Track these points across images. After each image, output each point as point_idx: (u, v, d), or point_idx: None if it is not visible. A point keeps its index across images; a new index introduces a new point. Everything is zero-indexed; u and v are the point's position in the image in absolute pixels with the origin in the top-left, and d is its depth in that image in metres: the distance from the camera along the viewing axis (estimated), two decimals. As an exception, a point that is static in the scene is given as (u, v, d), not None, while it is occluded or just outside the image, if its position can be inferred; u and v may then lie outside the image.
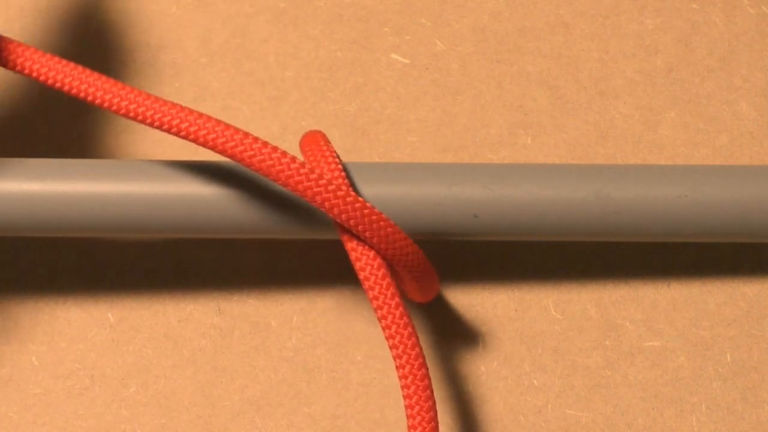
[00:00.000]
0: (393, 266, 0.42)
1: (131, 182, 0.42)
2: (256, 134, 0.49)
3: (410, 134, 0.50)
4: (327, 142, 0.43)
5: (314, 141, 0.43)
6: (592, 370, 0.47)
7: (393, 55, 0.51)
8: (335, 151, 0.43)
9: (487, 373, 0.47)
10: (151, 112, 0.40)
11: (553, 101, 0.51)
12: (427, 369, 0.41)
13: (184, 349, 0.47)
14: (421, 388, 0.41)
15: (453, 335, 0.47)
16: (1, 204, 0.42)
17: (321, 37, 0.51)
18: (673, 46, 0.52)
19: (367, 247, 0.41)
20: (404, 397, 0.41)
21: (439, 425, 0.46)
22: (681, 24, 0.52)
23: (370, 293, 0.41)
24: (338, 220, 0.40)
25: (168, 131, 0.40)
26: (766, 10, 0.52)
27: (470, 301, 0.48)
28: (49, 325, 0.47)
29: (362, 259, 0.41)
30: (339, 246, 0.48)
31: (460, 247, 0.48)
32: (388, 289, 0.41)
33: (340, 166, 0.41)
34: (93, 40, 0.51)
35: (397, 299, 0.41)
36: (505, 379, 0.47)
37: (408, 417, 0.41)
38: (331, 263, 0.48)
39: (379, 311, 0.41)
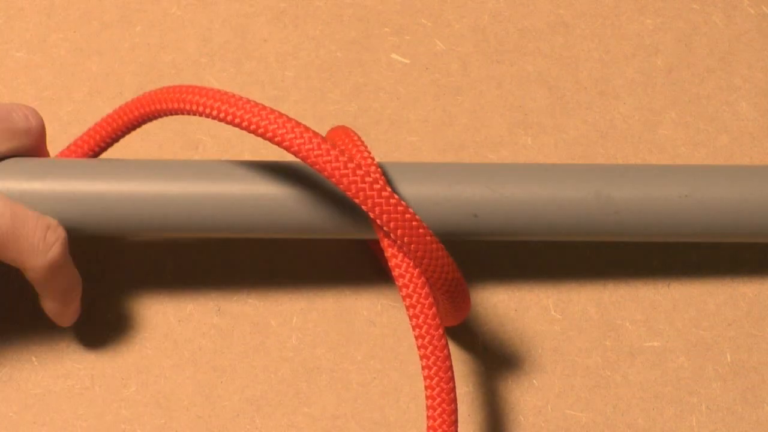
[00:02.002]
0: (429, 281, 0.41)
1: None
2: (256, 134, 0.50)
3: (410, 134, 0.50)
4: (360, 139, 0.43)
5: (348, 137, 0.43)
6: (592, 370, 0.47)
7: (393, 55, 0.51)
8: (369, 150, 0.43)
9: (487, 373, 0.47)
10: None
11: (553, 101, 0.51)
12: (455, 386, 0.41)
13: (184, 349, 0.47)
14: (447, 413, 0.41)
15: (453, 335, 0.47)
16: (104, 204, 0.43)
17: (321, 37, 0.51)
18: (673, 46, 0.52)
19: (406, 256, 0.41)
20: (428, 416, 0.41)
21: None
22: (681, 24, 0.52)
23: (407, 300, 0.41)
24: (379, 222, 0.40)
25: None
26: (766, 10, 0.52)
27: (471, 301, 0.48)
28: (49, 325, 0.47)
29: (401, 266, 0.41)
30: (338, 246, 0.48)
31: (460, 247, 0.48)
32: (425, 297, 0.41)
33: (378, 168, 0.42)
34: (94, 40, 0.51)
35: (433, 310, 0.41)
36: (505, 379, 0.47)
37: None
38: (331, 263, 0.48)
39: (414, 319, 0.41)
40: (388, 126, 0.50)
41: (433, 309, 0.41)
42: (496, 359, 0.47)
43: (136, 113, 0.43)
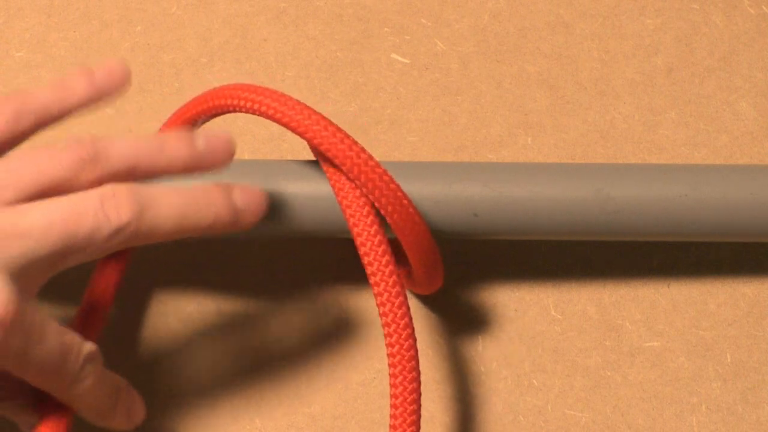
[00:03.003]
0: (392, 228, 0.42)
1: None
2: (255, 134, 0.50)
3: (410, 134, 0.50)
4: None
5: None
6: (592, 371, 0.47)
7: (393, 55, 0.51)
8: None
9: (487, 373, 0.47)
10: None
11: (553, 101, 0.51)
12: (414, 332, 0.41)
13: (184, 349, 0.47)
14: (408, 369, 0.41)
15: (453, 335, 0.47)
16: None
17: (321, 37, 0.51)
18: (673, 46, 0.52)
19: (356, 190, 0.41)
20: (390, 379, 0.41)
21: (438, 425, 0.46)
22: (681, 24, 0.52)
23: (354, 231, 0.41)
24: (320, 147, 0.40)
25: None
26: (766, 10, 0.52)
27: (470, 301, 0.48)
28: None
29: (348, 195, 0.41)
30: (338, 246, 0.48)
31: (459, 246, 0.48)
32: (377, 239, 0.41)
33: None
34: (94, 40, 0.51)
35: (384, 244, 0.41)
36: (505, 379, 0.47)
37: (391, 385, 0.41)
38: (331, 263, 0.48)
39: (362, 248, 0.41)
40: (388, 126, 0.50)
41: (379, 237, 0.41)
42: (495, 359, 0.47)
43: (198, 109, 0.43)
